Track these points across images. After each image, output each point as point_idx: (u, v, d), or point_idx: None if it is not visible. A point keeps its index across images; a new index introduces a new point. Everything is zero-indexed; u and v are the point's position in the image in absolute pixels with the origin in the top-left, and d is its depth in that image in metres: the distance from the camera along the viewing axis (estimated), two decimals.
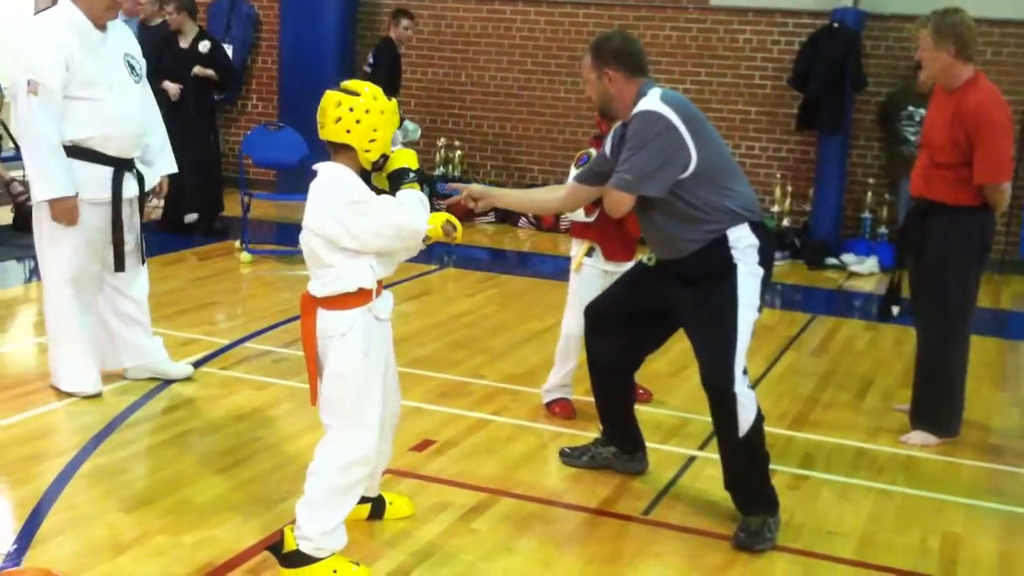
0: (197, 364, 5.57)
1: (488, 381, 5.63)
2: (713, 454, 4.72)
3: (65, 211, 4.75)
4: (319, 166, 3.52)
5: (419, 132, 9.73)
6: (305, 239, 3.48)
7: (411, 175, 3.57)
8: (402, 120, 9.09)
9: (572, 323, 5.02)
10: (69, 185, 4.74)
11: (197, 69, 8.64)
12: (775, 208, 9.66)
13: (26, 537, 3.65)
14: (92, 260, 4.97)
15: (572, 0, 10.32)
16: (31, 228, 8.40)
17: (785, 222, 9.61)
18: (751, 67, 9.92)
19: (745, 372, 3.92)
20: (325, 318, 3.46)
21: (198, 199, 8.81)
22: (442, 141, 10.77)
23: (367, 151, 3.45)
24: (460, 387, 5.51)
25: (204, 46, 8.79)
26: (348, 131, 3.41)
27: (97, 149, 4.81)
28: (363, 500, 3.81)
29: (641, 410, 5.22)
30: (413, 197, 3.51)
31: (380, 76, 8.98)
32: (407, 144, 9.20)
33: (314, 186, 3.49)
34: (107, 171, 4.84)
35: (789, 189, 9.68)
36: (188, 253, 8.25)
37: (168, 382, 5.26)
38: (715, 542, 3.93)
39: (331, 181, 3.46)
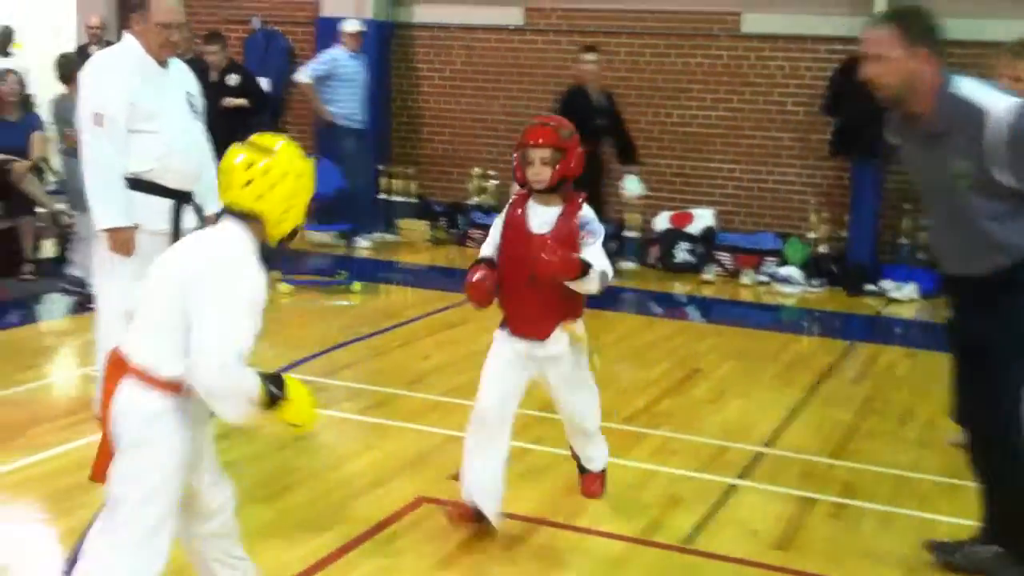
0: None
1: (524, 410, 5.62)
2: (753, 482, 4.73)
3: (122, 242, 4.83)
4: (221, 224, 2.95)
5: (641, 189, 9.24)
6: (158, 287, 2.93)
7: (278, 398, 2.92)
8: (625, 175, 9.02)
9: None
10: (127, 216, 4.83)
11: (227, 100, 8.76)
12: (811, 234, 9.64)
13: (74, 565, 3.70)
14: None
15: (603, 30, 10.38)
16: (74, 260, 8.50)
17: (822, 248, 9.59)
18: (784, 93, 9.93)
19: None
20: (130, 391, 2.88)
21: None
22: (476, 171, 10.84)
23: (280, 222, 2.93)
24: None
25: (232, 79, 8.94)
26: (260, 197, 2.88)
27: (157, 181, 4.90)
28: None
29: (677, 438, 5.24)
30: (252, 384, 2.84)
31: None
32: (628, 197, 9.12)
33: (203, 239, 2.97)
34: (167, 203, 4.92)
35: (824, 215, 9.67)
36: None
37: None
38: (757, 571, 3.92)
39: (225, 245, 2.90)
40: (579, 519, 4.31)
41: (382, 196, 10.84)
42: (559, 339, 4.05)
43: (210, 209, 5.31)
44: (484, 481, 4.05)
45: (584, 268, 3.81)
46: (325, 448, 5.01)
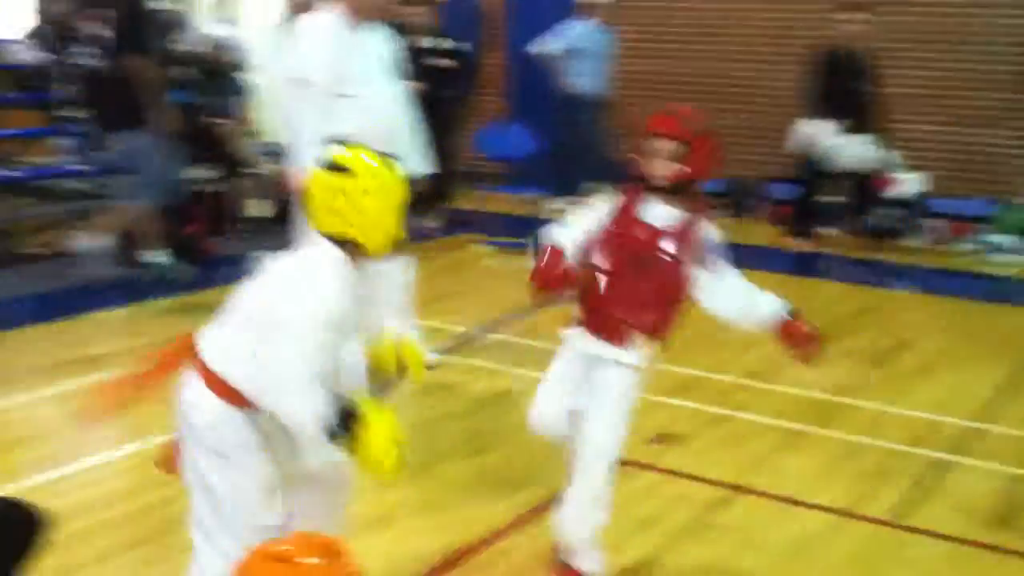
0: (440, 353, 5.76)
1: (727, 376, 5.58)
2: (969, 459, 4.55)
3: None
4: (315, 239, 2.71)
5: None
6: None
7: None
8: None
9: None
10: None
11: (437, 61, 8.85)
12: None
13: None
14: None
15: None
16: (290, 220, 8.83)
17: None
18: (995, 53, 9.40)
19: None
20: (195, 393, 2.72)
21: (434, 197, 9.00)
22: None
23: (369, 241, 2.69)
24: (699, 381, 5.49)
25: (446, 43, 9.05)
26: (348, 222, 2.65)
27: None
28: None
29: (889, 411, 5.08)
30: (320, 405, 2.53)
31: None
32: None
33: (297, 254, 2.73)
34: None
35: None
36: (426, 246, 8.53)
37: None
38: (971, 550, 3.78)
39: (309, 262, 2.67)
40: (781, 488, 4.23)
41: None
42: (631, 346, 3.41)
43: (415, 172, 5.44)
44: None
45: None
46: (524, 406, 5.07)
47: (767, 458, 4.55)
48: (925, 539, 3.86)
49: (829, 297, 7.45)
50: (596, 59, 9.75)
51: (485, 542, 3.73)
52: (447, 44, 9.06)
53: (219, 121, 8.69)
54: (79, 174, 8.88)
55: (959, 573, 3.63)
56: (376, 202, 2.66)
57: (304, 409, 2.54)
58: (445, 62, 8.93)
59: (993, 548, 3.79)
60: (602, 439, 3.39)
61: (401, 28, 8.91)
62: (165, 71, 7.55)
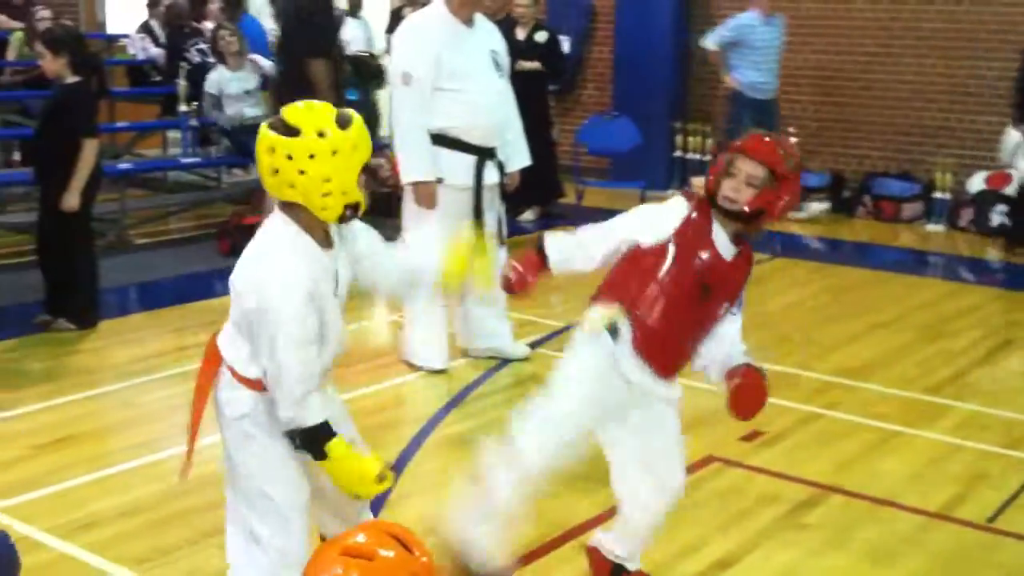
0: (533, 345, 5.80)
1: (819, 374, 5.50)
2: None
3: (426, 195, 5.09)
4: (269, 217, 2.67)
5: None
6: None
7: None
8: None
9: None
10: (431, 171, 5.08)
11: (521, 64, 8.72)
12: None
13: (378, 500, 3.97)
14: None
15: None
16: (390, 213, 9.00)
17: None
18: None
19: None
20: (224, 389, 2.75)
21: (534, 192, 8.98)
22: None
23: (323, 208, 2.55)
24: (790, 379, 5.41)
25: (541, 36, 9.06)
26: (291, 186, 2.52)
27: (461, 138, 5.12)
28: None
29: (985, 412, 4.95)
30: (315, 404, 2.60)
31: None
32: None
33: (254, 243, 2.66)
34: (470, 159, 5.13)
35: None
36: (525, 238, 8.57)
37: (506, 361, 5.51)
38: None
39: (264, 253, 2.61)
40: (873, 489, 4.16)
41: (677, 153, 10.78)
42: (674, 383, 3.15)
43: (513, 166, 5.48)
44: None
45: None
46: None
47: (859, 458, 4.47)
48: (1017, 543, 3.76)
49: (935, 295, 7.25)
50: (761, 53, 9.37)
51: (566, 536, 3.74)
52: (540, 37, 9.05)
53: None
54: (189, 166, 9.15)
55: None
56: (322, 166, 2.48)
57: (288, 416, 2.58)
58: (529, 65, 8.82)
59: None
60: (680, 481, 3.18)
61: (508, 22, 9.00)
62: (340, 71, 7.71)
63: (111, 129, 9.20)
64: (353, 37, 9.79)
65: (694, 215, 3.01)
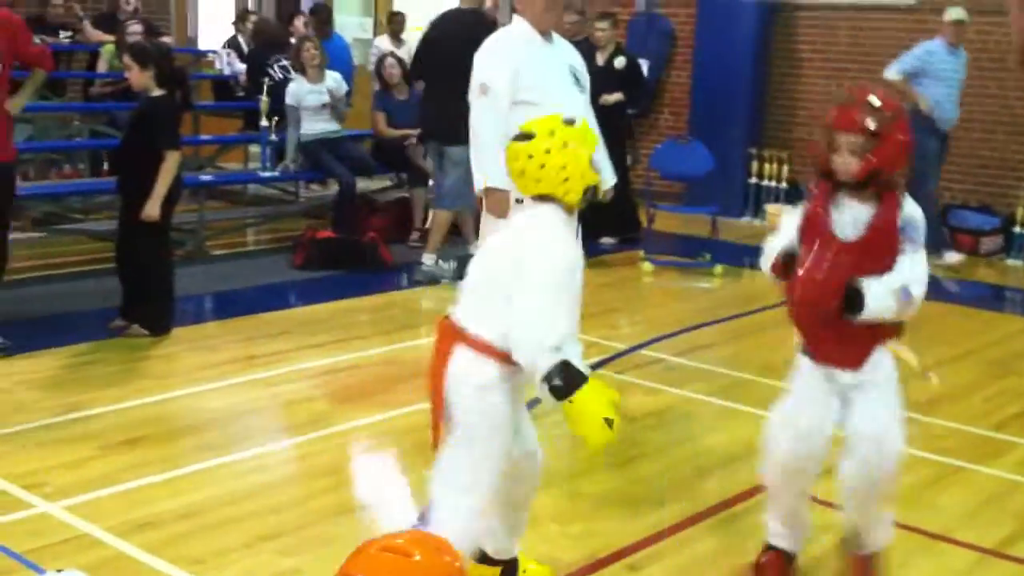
0: (594, 367, 5.82)
1: None
2: None
3: (497, 203, 5.14)
4: (531, 206, 3.14)
5: None
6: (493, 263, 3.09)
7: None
8: None
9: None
10: (503, 179, 5.13)
11: (604, 99, 8.62)
12: None
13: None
14: None
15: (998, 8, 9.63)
16: (458, 230, 9.00)
17: None
18: None
19: None
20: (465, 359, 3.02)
21: (610, 219, 8.95)
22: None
23: (566, 193, 3.07)
24: None
25: (620, 62, 9.09)
26: (538, 181, 3.06)
27: None
28: (493, 562, 3.41)
29: None
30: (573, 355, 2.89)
31: None
32: None
33: (525, 222, 3.12)
34: None
35: None
36: (594, 260, 8.59)
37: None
38: None
39: (538, 226, 3.07)
40: (930, 524, 4.11)
41: (752, 180, 10.73)
42: (877, 364, 3.32)
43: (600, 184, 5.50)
44: (798, 518, 3.65)
45: (852, 295, 3.16)
46: (675, 424, 5.09)
47: (916, 491, 4.41)
48: None
49: (1009, 331, 7.12)
50: (944, 83, 9.02)
51: (618, 554, 3.75)
52: (619, 63, 9.07)
53: (403, 133, 9.00)
54: (267, 180, 9.34)
55: None
56: (556, 157, 3.01)
57: (546, 364, 2.82)
58: (612, 98, 8.78)
59: None
60: (883, 431, 3.32)
61: (587, 45, 9.06)
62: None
63: (195, 142, 9.45)
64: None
65: (811, 206, 3.29)
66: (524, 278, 2.90)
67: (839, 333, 3.26)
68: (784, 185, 10.64)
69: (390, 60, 9.30)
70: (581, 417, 2.85)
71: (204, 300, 7.07)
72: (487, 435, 3.03)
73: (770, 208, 10.47)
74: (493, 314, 2.96)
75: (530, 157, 3.03)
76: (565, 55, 5.27)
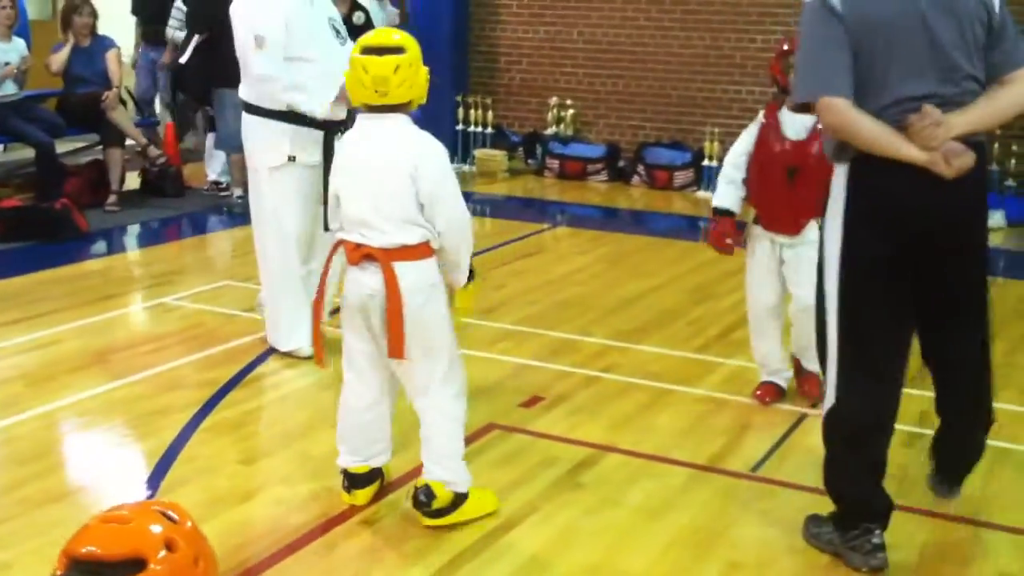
0: None
1: (597, 338, 5.65)
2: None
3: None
4: (384, 119, 3.43)
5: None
6: (395, 186, 3.41)
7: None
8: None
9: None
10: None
11: None
12: None
13: (154, 484, 3.84)
14: (308, 221, 5.09)
15: None
16: (160, 192, 8.72)
17: None
18: None
19: None
20: (414, 269, 3.44)
21: None
22: (554, 100, 10.74)
23: (420, 99, 3.46)
24: (569, 344, 5.54)
25: (358, 17, 8.75)
26: (410, 87, 3.39)
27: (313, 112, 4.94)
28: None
29: (748, 367, 5.19)
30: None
31: None
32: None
33: (409, 138, 3.43)
34: (318, 134, 4.96)
35: None
36: None
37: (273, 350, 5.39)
38: (823, 499, 3.88)
39: (429, 142, 3.46)
40: (644, 446, 4.31)
41: (459, 127, 10.83)
42: (809, 230, 4.48)
43: None
44: (774, 360, 4.77)
45: None
46: None
47: (631, 417, 4.62)
48: (783, 490, 3.98)
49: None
50: None
51: (350, 511, 3.71)
52: (357, 18, 8.84)
53: (95, 90, 8.45)
54: None
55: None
56: (420, 69, 3.41)
57: (468, 255, 3.58)
58: None
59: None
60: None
61: None
62: None
63: None
64: None
65: (765, 118, 4.52)
66: (436, 187, 3.39)
67: (797, 206, 4.45)
68: (490, 130, 10.80)
69: (87, 8, 8.66)
70: (468, 295, 3.67)
71: None
72: (450, 333, 3.55)
73: (479, 153, 10.63)
74: (409, 221, 3.39)
75: (409, 66, 3.35)
76: (324, 8, 5.10)
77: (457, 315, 3.66)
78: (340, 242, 3.55)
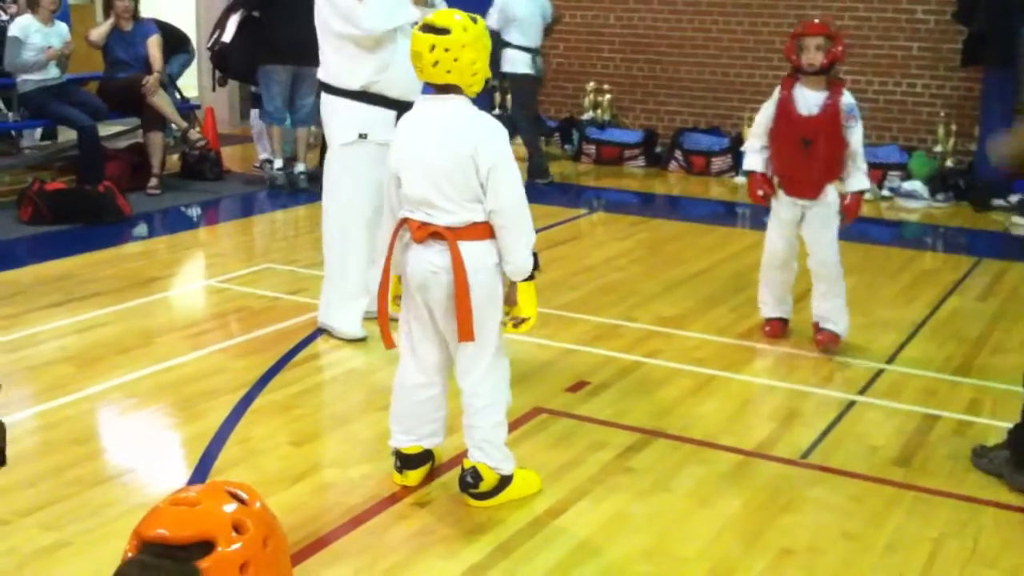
0: None
1: (640, 324, 5.63)
2: (874, 399, 4.66)
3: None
4: (442, 99, 3.44)
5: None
6: (450, 168, 3.39)
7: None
8: None
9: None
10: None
11: None
12: (938, 148, 9.30)
13: (204, 468, 3.87)
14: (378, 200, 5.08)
15: None
16: (199, 175, 8.79)
17: (949, 162, 9.25)
18: (913, 1, 9.53)
19: None
20: (478, 248, 3.43)
21: None
22: (591, 85, 10.70)
23: (471, 85, 3.42)
24: (612, 330, 5.53)
25: None
26: (449, 71, 3.35)
27: (383, 93, 4.97)
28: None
29: (796, 353, 5.18)
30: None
31: None
32: None
33: (467, 119, 3.43)
34: (391, 114, 4.93)
35: (953, 128, 9.30)
36: None
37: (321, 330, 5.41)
38: (874, 486, 3.87)
39: (489, 122, 3.46)
40: (693, 432, 4.30)
41: (496, 111, 10.81)
42: (827, 193, 5.03)
43: None
44: (782, 299, 5.36)
45: None
46: None
47: (679, 402, 4.60)
48: (831, 477, 3.95)
49: (745, 242, 7.52)
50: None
51: (401, 493, 3.73)
52: None
53: (137, 75, 8.48)
54: None
55: (859, 508, 3.71)
56: (470, 52, 3.33)
57: (531, 241, 3.48)
58: None
59: (898, 485, 3.89)
60: (828, 242, 5.16)
61: None
62: None
63: None
64: None
65: (780, 95, 5.04)
66: (495, 164, 3.35)
67: (813, 171, 5.03)
68: None
69: None
70: (531, 295, 3.55)
71: None
72: (500, 319, 3.54)
73: (516, 139, 10.60)
74: (469, 203, 3.39)
75: (446, 50, 3.31)
76: None
77: (516, 312, 3.56)
78: (403, 221, 3.53)
